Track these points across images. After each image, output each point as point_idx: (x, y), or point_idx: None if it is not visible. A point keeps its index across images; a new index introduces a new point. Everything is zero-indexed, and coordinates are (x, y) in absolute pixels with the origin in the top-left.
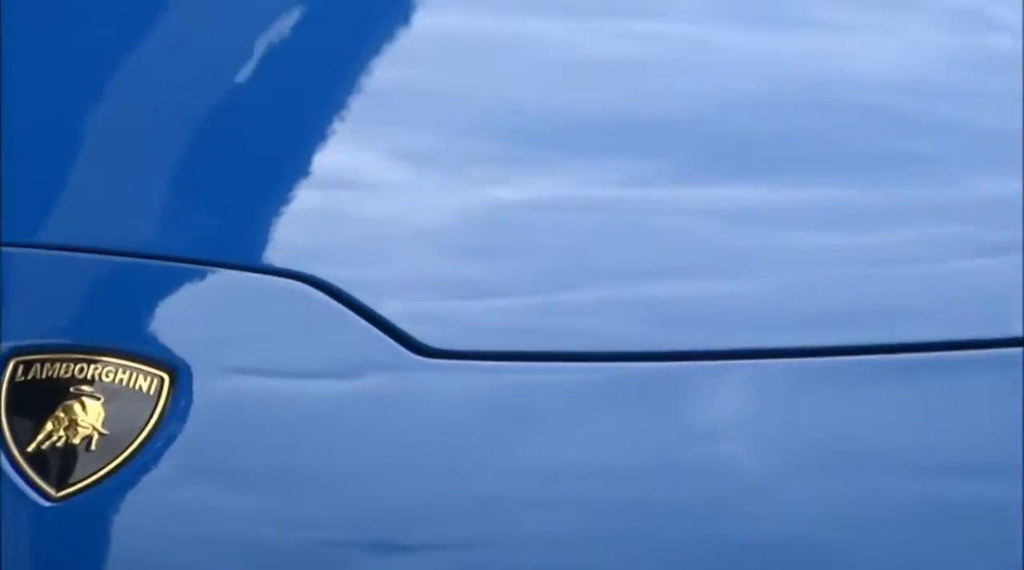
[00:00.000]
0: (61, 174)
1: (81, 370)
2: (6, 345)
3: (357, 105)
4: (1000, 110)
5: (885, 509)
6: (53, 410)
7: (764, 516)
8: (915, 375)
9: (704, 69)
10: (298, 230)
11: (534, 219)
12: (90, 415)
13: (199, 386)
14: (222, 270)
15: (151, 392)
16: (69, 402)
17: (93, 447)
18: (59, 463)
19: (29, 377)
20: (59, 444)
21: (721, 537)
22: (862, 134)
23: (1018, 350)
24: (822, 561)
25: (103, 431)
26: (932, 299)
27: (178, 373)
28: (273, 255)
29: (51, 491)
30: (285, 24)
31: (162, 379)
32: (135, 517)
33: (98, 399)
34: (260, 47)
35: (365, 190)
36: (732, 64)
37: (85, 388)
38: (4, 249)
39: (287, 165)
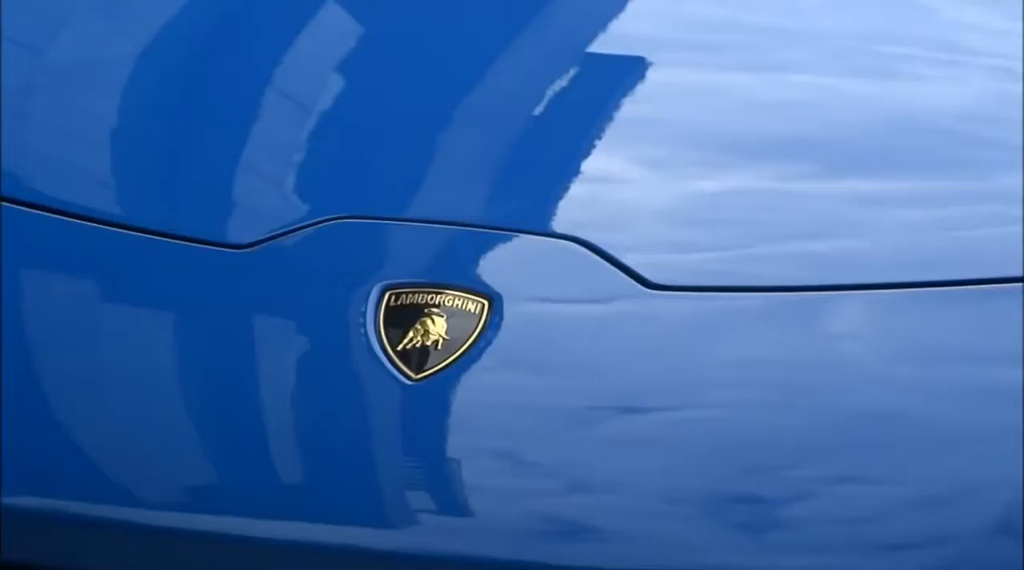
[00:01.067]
0: (411, 165)
1: (432, 298)
2: (384, 282)
3: (610, 128)
4: (1019, 130)
5: (950, 388)
6: (414, 323)
7: (867, 388)
8: (972, 299)
9: (832, 105)
10: (573, 209)
11: (726, 201)
12: (438, 327)
13: (508, 309)
14: (523, 235)
15: (476, 312)
16: (424, 318)
17: (440, 347)
18: (417, 357)
19: (398, 303)
20: (418, 345)
21: (839, 404)
22: (929, 146)
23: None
24: (906, 431)
25: (446, 337)
26: (978, 250)
27: (494, 300)
28: (556, 225)
29: (412, 375)
30: (566, 80)
31: (483, 304)
32: (467, 391)
33: (443, 316)
34: (552, 95)
35: (616, 183)
36: (850, 102)
37: (435, 310)
38: (382, 222)
39: (567, 166)
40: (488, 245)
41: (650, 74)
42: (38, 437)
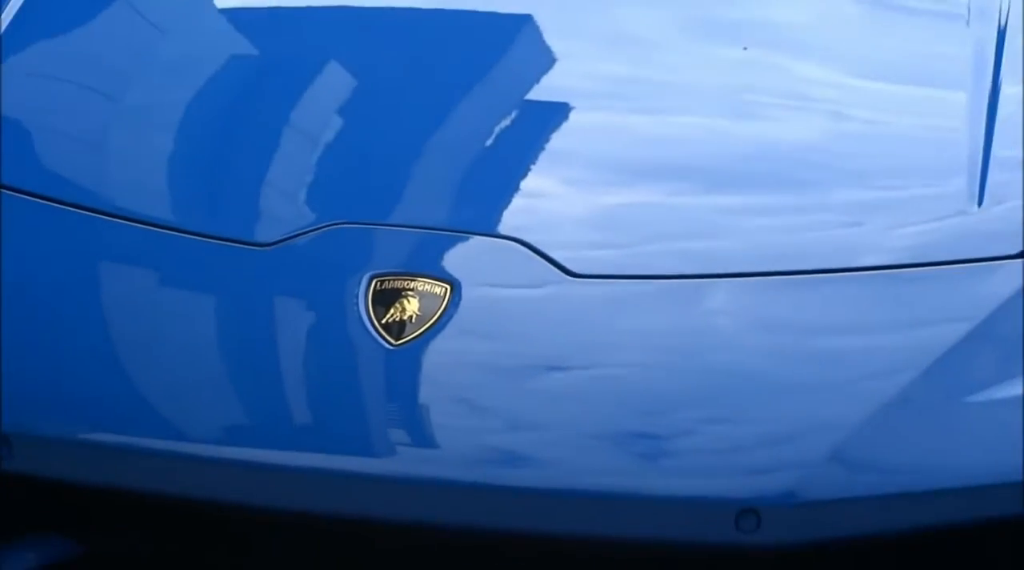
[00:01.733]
0: (393, 184)
1: (407, 282)
2: (372, 272)
3: (542, 156)
4: (855, 157)
5: (794, 352)
6: (394, 303)
7: (733, 352)
8: (811, 284)
9: (707, 139)
10: (514, 216)
11: (628, 211)
12: (412, 305)
13: (465, 291)
14: (477, 236)
15: (441, 294)
16: (402, 299)
17: (413, 321)
18: (397, 328)
19: (383, 288)
20: (397, 319)
21: (711, 364)
22: (780, 169)
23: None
24: (762, 385)
25: (419, 313)
26: (815, 247)
27: (455, 285)
28: (502, 228)
29: (393, 342)
30: (509, 119)
31: (447, 288)
32: (434, 354)
33: (416, 298)
34: (499, 131)
35: (547, 198)
36: (720, 136)
37: (410, 292)
38: (371, 226)
39: (510, 184)
40: (451, 244)
41: (572, 116)
42: (89, 382)
